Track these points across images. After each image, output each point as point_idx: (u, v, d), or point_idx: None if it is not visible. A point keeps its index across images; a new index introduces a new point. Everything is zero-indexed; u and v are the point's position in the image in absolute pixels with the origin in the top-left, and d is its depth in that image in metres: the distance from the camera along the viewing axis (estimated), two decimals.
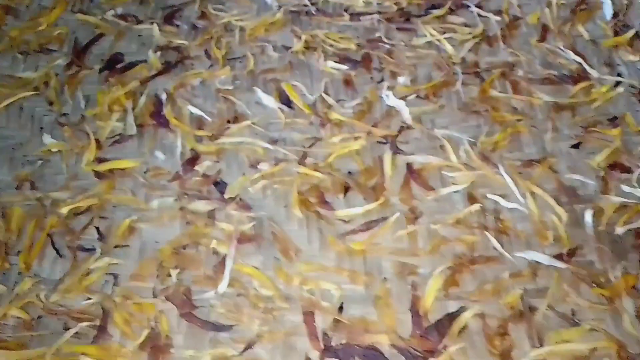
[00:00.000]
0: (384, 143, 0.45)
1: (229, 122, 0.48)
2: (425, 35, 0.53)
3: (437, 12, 0.56)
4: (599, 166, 0.43)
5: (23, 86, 0.52)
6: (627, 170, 0.42)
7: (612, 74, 0.49)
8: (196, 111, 0.49)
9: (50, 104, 0.51)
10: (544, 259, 0.37)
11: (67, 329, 0.36)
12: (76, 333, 0.35)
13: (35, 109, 0.51)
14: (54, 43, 0.56)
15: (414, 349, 0.34)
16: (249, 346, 0.35)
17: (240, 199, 0.43)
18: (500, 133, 0.45)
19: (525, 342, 0.34)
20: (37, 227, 0.42)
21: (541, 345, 0.34)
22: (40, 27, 0.57)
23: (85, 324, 0.36)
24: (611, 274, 0.37)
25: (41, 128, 0.49)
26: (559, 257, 0.38)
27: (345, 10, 0.57)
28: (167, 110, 0.49)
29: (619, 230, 0.39)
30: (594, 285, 0.36)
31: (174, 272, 0.39)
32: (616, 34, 0.52)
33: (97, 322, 0.36)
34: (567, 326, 0.35)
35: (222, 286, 0.38)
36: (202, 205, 0.43)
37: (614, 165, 0.42)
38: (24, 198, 0.44)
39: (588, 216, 0.39)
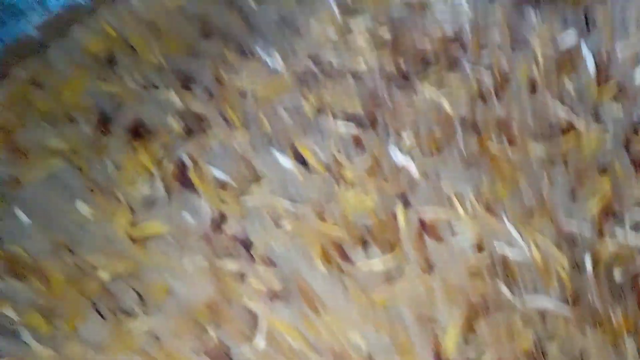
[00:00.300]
0: (395, 198, 0.49)
1: (249, 182, 0.52)
2: (424, 93, 0.58)
3: (433, 70, 0.61)
4: (593, 213, 0.47)
5: (53, 155, 0.56)
6: (619, 215, 0.46)
7: (599, 125, 0.53)
8: (218, 173, 0.53)
9: (80, 170, 0.55)
10: (550, 304, 0.41)
11: None
12: None
13: (67, 177, 0.54)
14: (79, 112, 0.60)
15: None
16: None
17: (267, 257, 0.46)
18: (501, 185, 0.49)
19: None
20: (78, 292, 0.45)
21: None
22: (64, 97, 0.61)
23: None
24: (613, 316, 0.41)
25: (73, 195, 0.53)
26: (564, 301, 0.41)
27: (349, 73, 0.62)
28: (191, 173, 0.53)
29: (616, 274, 0.43)
30: (598, 327, 0.40)
31: (210, 329, 0.42)
32: (599, 85, 0.57)
33: None
34: None
35: (257, 341, 0.41)
36: (231, 264, 0.46)
37: (607, 211, 0.47)
38: (63, 264, 0.47)
39: (587, 261, 0.43)
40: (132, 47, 0.65)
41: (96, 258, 0.47)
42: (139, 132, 0.58)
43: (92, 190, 0.53)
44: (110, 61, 0.64)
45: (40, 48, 0.62)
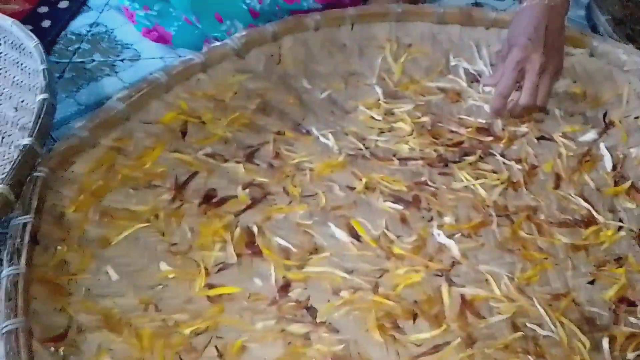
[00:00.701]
0: (440, 275, 0.57)
1: (310, 253, 0.60)
2: (462, 180, 0.67)
3: (469, 159, 0.69)
4: (610, 300, 0.54)
5: (136, 218, 0.63)
6: (633, 303, 0.54)
7: (615, 219, 0.61)
8: (283, 242, 0.61)
9: (162, 234, 0.62)
10: None
11: None
12: None
13: (149, 239, 0.62)
14: (158, 179, 0.68)
15: None
16: None
17: (329, 323, 0.54)
18: (531, 270, 0.57)
19: None
20: (166, 346, 0.52)
21: None
22: (145, 165, 0.69)
23: None
24: None
25: (156, 256, 0.60)
26: None
27: (394, 155, 0.71)
28: (259, 241, 0.61)
29: (630, 355, 0.50)
30: None
31: None
32: (615, 183, 0.65)
33: None
34: None
35: None
36: (298, 328, 0.53)
37: (622, 299, 0.54)
38: (150, 319, 0.54)
39: (605, 343, 0.51)
40: (201, 120, 0.74)
41: (179, 316, 0.54)
42: (211, 201, 0.66)
43: (173, 253, 0.60)
44: (184, 133, 0.72)
45: (124, 120, 0.70)
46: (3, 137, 0.68)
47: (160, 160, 0.70)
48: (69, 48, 0.92)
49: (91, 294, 0.56)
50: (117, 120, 0.69)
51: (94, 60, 0.91)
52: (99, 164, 0.67)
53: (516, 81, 0.65)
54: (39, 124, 0.61)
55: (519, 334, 0.51)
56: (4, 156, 0.66)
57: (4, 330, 0.45)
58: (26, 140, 0.59)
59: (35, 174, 0.59)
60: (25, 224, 0.55)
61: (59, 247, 0.58)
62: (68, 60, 0.90)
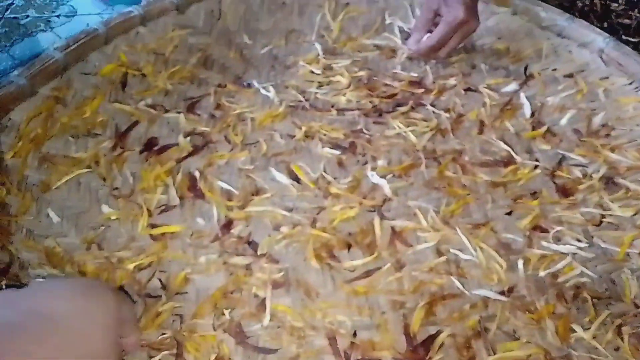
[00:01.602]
0: (372, 211, 0.61)
1: (252, 194, 0.63)
2: (395, 128, 0.71)
3: (401, 109, 0.73)
4: (525, 228, 0.60)
5: (77, 164, 0.64)
6: (545, 230, 0.60)
7: (531, 159, 0.67)
8: (225, 186, 0.63)
9: (103, 179, 0.63)
10: (491, 294, 0.53)
11: (151, 357, 0.48)
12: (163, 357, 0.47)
13: (91, 184, 0.63)
14: (98, 128, 0.68)
15: None
16: None
17: (269, 255, 0.57)
18: (455, 204, 0.62)
19: (483, 352, 0.50)
20: (109, 280, 0.54)
21: (494, 353, 0.49)
22: (85, 114, 0.69)
23: (165, 352, 0.48)
24: (537, 304, 0.53)
25: (98, 199, 0.61)
26: (501, 293, 0.54)
27: (332, 106, 0.74)
28: (201, 185, 0.63)
29: (541, 273, 0.56)
30: (526, 312, 0.53)
31: (226, 311, 0.51)
32: (533, 128, 0.71)
33: (174, 351, 0.48)
34: (510, 340, 0.51)
35: (265, 321, 0.51)
36: (240, 260, 0.56)
37: (536, 227, 0.60)
38: (94, 257, 0.56)
39: (520, 264, 0.56)
40: (142, 73, 0.74)
41: (123, 253, 0.56)
42: (152, 149, 0.67)
43: (115, 197, 0.61)
44: (123, 85, 0.73)
45: (62, 70, 0.70)
46: None
47: (100, 110, 0.70)
48: (1, 4, 0.90)
49: (33, 234, 0.57)
50: (56, 69, 0.69)
51: (28, 16, 0.88)
52: (37, 112, 0.67)
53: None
54: None
55: (443, 258, 0.56)
56: None
57: None
58: None
59: None
60: None
61: None
62: (0, 16, 0.88)
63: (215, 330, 0.50)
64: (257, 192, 0.63)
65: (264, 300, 0.52)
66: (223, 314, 0.51)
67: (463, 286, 0.54)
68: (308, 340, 0.50)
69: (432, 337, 0.50)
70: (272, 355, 0.49)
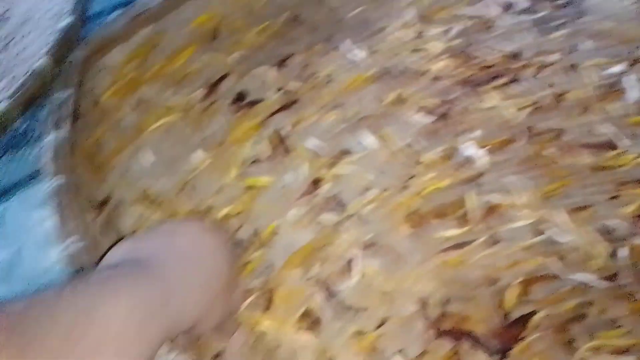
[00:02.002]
0: (466, 184, 0.59)
1: (339, 156, 0.61)
2: (491, 101, 0.68)
3: (498, 82, 0.70)
4: (630, 214, 0.56)
5: (169, 112, 0.64)
6: None
7: (636, 145, 0.63)
8: (312, 145, 0.62)
9: (194, 128, 0.63)
10: (591, 280, 0.51)
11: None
12: (251, 304, 0.47)
13: (183, 131, 0.63)
14: (190, 77, 0.69)
15: (502, 336, 0.47)
16: (380, 324, 0.47)
17: (358, 216, 0.55)
18: (554, 184, 0.59)
19: (581, 337, 0.47)
20: None
21: (592, 340, 0.47)
22: (177, 63, 0.69)
23: (252, 302, 0.48)
24: (638, 294, 0.50)
25: (189, 147, 0.61)
26: (602, 279, 0.51)
27: (424, 74, 0.71)
28: (289, 142, 0.62)
29: None
30: (628, 301, 0.50)
31: (315, 266, 0.51)
32: (639, 113, 0.66)
33: (262, 302, 0.48)
34: (610, 329, 0.48)
35: (354, 280, 0.50)
36: (328, 218, 0.55)
37: None
38: (185, 201, 0.56)
39: (622, 251, 0.53)
40: (232, 26, 0.73)
41: (212, 200, 0.56)
42: (242, 102, 0.67)
43: (205, 146, 0.61)
44: (214, 37, 0.72)
45: (157, 17, 0.70)
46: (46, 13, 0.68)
47: (191, 60, 0.70)
48: None
49: (127, 174, 0.57)
50: (151, 16, 0.69)
51: None
52: (133, 57, 0.67)
53: None
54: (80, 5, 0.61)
55: (540, 238, 0.54)
56: (46, 31, 0.65)
57: (54, 184, 0.46)
58: (69, 19, 0.59)
59: (74, 55, 0.59)
60: (68, 97, 0.55)
61: (96, 129, 0.59)
62: None
63: (304, 283, 0.49)
64: (345, 154, 0.62)
65: (351, 260, 0.51)
66: (312, 269, 0.51)
67: (561, 269, 0.52)
68: (397, 305, 0.49)
69: (527, 317, 0.48)
70: (360, 314, 0.48)
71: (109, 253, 0.36)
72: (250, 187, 0.58)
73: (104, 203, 0.52)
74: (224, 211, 0.55)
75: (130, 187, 0.56)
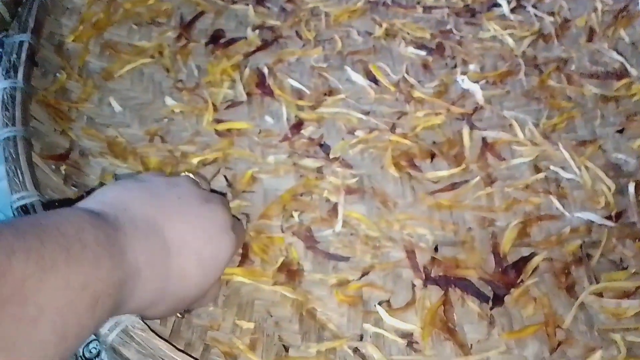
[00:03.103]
0: (461, 119, 0.54)
1: (325, 94, 0.57)
2: (490, 30, 0.62)
3: (498, 10, 0.64)
4: (639, 149, 0.52)
5: (140, 54, 0.60)
6: None
7: None
8: (295, 84, 0.57)
9: (167, 70, 0.59)
10: (596, 218, 0.47)
11: None
12: None
13: (154, 75, 0.58)
14: (163, 17, 0.63)
15: (497, 282, 0.43)
16: (364, 273, 0.44)
17: (343, 159, 0.51)
18: (558, 117, 0.54)
19: (584, 280, 0.43)
20: (173, 173, 0.50)
21: (597, 282, 0.43)
22: (149, 1, 0.64)
23: None
24: None
25: (162, 91, 0.57)
26: (608, 218, 0.47)
27: (418, 3, 0.65)
28: (270, 82, 0.57)
29: None
30: (636, 240, 0.46)
31: (295, 214, 0.47)
32: None
33: (239, 251, 0.45)
34: (616, 269, 0.44)
35: (337, 227, 0.46)
36: (310, 162, 0.51)
37: None
38: (157, 149, 0.52)
39: (631, 187, 0.48)
40: None
41: (187, 147, 0.52)
42: (219, 42, 0.62)
43: (179, 89, 0.57)
44: None
45: None
46: None
47: None
48: None
49: (94, 123, 0.53)
50: None
51: None
52: None
53: None
54: None
55: (541, 175, 0.49)
56: None
57: (2, 137, 0.43)
58: None
59: None
60: (22, 42, 0.51)
61: (59, 74, 0.55)
62: None
63: (283, 232, 0.46)
64: (331, 92, 0.57)
65: (335, 205, 0.47)
66: (292, 217, 0.47)
67: (563, 207, 0.47)
68: (384, 252, 0.45)
69: (525, 260, 0.44)
70: (343, 263, 0.44)
71: (90, 198, 0.32)
72: (226, 132, 0.53)
73: (67, 154, 0.49)
74: (199, 158, 0.51)
75: (96, 136, 0.52)
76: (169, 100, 0.56)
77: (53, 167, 0.47)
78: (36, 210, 0.38)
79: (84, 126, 0.52)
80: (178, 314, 0.39)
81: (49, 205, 0.41)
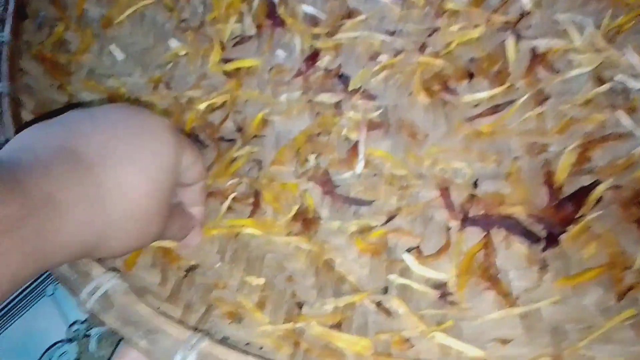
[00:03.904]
0: (504, 30, 0.45)
1: (343, 18, 0.50)
2: None
3: None
4: None
5: None
6: None
7: None
8: (309, 9, 0.50)
9: (170, 10, 0.53)
10: None
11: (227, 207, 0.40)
12: (234, 210, 0.40)
13: (156, 17, 0.53)
14: None
15: (551, 219, 0.36)
16: (390, 218, 0.38)
17: (364, 90, 0.45)
18: (624, 16, 0.44)
19: None
20: (179, 122, 0.46)
21: None
22: None
23: (240, 202, 0.40)
24: None
25: (165, 34, 0.52)
26: None
27: None
28: (281, 11, 0.51)
29: None
30: None
31: (311, 157, 0.42)
32: None
33: (250, 201, 0.40)
34: None
35: (359, 167, 0.40)
36: (327, 97, 0.45)
37: None
38: (161, 97, 0.48)
39: None
40: None
41: (192, 92, 0.47)
42: None
43: (183, 30, 0.52)
44: None
45: None
46: None
47: None
48: None
49: (95, 74, 0.50)
50: None
51: None
52: None
53: None
54: None
55: (605, 87, 0.40)
56: None
57: None
58: None
59: None
60: None
61: (56, 26, 0.51)
62: None
63: (298, 178, 0.41)
64: (350, 14, 0.50)
65: (356, 144, 0.41)
66: (307, 161, 0.42)
67: (633, 125, 0.39)
68: (412, 192, 0.39)
69: (586, 190, 0.36)
70: (365, 208, 0.39)
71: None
72: (234, 73, 0.48)
73: (66, 107, 0.45)
74: (206, 103, 0.46)
75: (97, 88, 0.48)
76: (172, 43, 0.51)
77: None
78: None
79: (83, 79, 0.49)
80: (182, 272, 0.36)
81: None
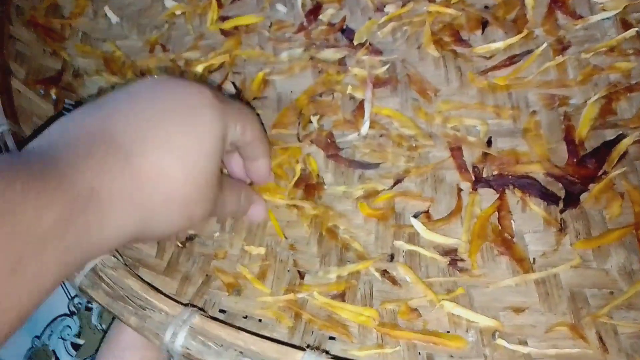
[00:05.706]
0: None
1: None
2: None
3: None
4: None
5: None
6: None
7: None
8: None
9: None
10: None
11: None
12: None
13: None
14: None
15: (571, 177, 0.33)
16: (398, 181, 0.36)
17: (370, 44, 0.42)
18: None
19: None
20: None
21: None
22: None
23: None
24: None
25: None
26: None
27: None
28: None
29: None
30: None
31: (314, 119, 0.39)
32: None
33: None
34: None
35: (364, 128, 0.38)
36: (331, 54, 0.42)
37: None
38: (158, 60, 0.46)
39: None
40: None
41: (190, 54, 0.45)
42: None
43: None
44: None
45: None
46: None
47: None
48: None
49: (89, 38, 0.48)
50: None
51: None
52: None
53: None
54: None
55: (632, 31, 0.37)
56: None
57: None
58: None
59: None
60: None
61: None
62: None
63: (300, 141, 0.39)
64: None
65: (361, 103, 0.39)
66: (310, 122, 0.39)
67: None
68: (422, 153, 0.36)
69: (610, 145, 0.34)
70: (372, 170, 0.36)
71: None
72: (233, 31, 0.45)
73: (58, 76, 0.44)
74: (205, 64, 0.44)
75: (92, 53, 0.46)
76: (168, 2, 0.48)
77: (42, 92, 0.42)
78: (6, 141, 0.34)
79: (77, 43, 0.47)
80: (179, 243, 0.34)
81: (34, 135, 0.36)
